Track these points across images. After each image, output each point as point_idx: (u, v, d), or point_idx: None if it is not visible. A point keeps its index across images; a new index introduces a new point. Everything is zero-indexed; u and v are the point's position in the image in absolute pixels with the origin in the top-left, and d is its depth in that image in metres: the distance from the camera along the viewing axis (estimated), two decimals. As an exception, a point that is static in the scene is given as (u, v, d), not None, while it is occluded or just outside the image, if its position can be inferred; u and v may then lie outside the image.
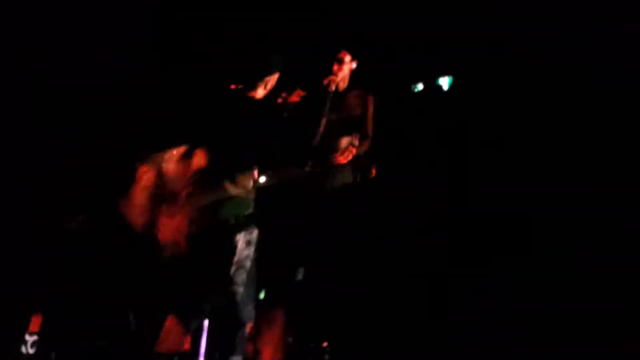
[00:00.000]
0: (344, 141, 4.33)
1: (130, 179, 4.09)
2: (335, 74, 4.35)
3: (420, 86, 6.94)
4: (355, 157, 4.35)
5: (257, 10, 5.15)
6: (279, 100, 4.01)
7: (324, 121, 4.04)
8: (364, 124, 4.45)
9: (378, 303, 5.45)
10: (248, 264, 3.60)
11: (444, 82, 6.86)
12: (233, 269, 3.56)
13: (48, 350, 4.24)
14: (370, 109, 4.50)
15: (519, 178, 6.43)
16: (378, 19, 5.86)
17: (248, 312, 3.61)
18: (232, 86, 3.75)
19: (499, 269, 5.77)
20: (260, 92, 3.77)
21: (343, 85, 4.50)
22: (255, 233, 3.65)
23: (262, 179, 4.34)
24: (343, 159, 4.21)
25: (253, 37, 4.03)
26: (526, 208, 6.32)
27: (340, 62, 4.42)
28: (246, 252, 3.59)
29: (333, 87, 4.21)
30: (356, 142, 4.29)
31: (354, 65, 4.51)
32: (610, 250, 5.36)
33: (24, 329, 4.41)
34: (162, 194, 3.72)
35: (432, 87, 6.89)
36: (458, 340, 4.78)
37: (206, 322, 4.04)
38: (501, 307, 5.13)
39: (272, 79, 3.80)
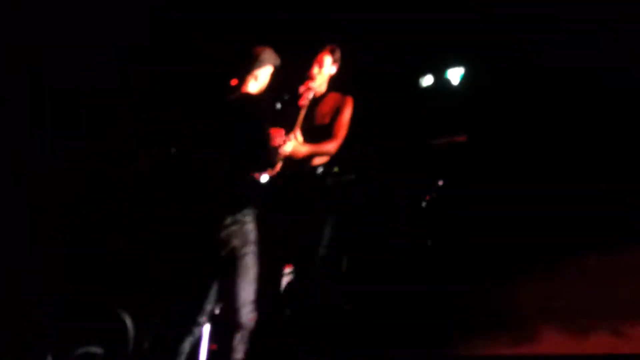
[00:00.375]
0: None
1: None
2: (314, 78, 4.24)
3: (428, 80, 6.74)
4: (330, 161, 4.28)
5: (257, 10, 5.14)
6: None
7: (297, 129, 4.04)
8: (334, 127, 4.26)
9: (376, 304, 5.44)
10: (246, 262, 3.54)
11: (454, 75, 6.79)
12: (230, 268, 3.52)
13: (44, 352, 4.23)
14: (346, 111, 4.30)
15: (520, 178, 6.43)
16: (382, 11, 5.81)
17: (247, 314, 3.52)
18: (234, 81, 3.75)
19: (500, 269, 5.77)
20: (252, 87, 3.76)
21: (321, 90, 4.35)
22: (250, 228, 3.58)
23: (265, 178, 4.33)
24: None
25: (253, 37, 3.98)
26: (527, 208, 6.32)
27: (320, 64, 4.29)
28: (243, 250, 3.54)
29: (310, 96, 4.14)
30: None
31: (333, 69, 4.37)
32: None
33: (24, 329, 4.39)
34: None
35: (441, 81, 6.66)
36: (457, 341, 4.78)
37: (207, 326, 4.00)
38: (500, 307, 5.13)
39: (263, 73, 3.78)
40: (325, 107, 4.29)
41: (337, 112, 4.27)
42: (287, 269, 5.36)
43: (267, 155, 3.63)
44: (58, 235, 4.58)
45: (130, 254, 4.63)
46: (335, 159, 5.23)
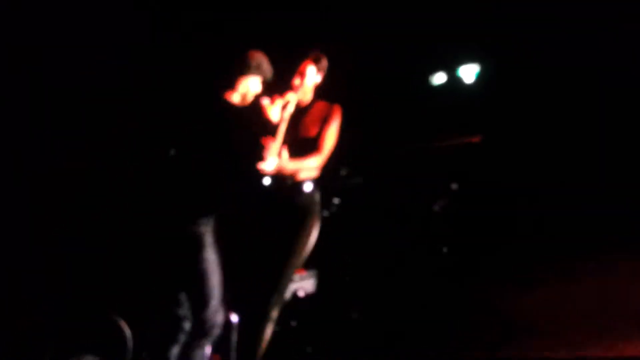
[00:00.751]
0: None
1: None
2: (295, 89, 3.98)
3: (440, 78, 6.61)
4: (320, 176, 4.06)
5: (259, 10, 5.11)
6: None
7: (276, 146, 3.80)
8: (319, 139, 3.99)
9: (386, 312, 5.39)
10: (204, 270, 3.52)
11: (467, 72, 6.51)
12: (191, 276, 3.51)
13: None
14: (333, 122, 4.02)
15: (537, 180, 6.31)
16: (389, 6, 5.69)
17: (209, 321, 3.52)
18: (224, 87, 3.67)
19: (517, 273, 5.65)
20: (236, 95, 3.68)
21: (306, 99, 4.10)
22: (208, 236, 3.54)
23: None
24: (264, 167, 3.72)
25: (255, 39, 3.91)
26: (543, 209, 6.21)
27: (302, 74, 4.02)
28: (201, 257, 3.51)
29: (290, 109, 3.89)
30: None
31: (319, 78, 4.09)
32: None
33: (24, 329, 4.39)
34: None
35: (454, 78, 6.54)
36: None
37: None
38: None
39: (251, 82, 3.68)
40: (311, 118, 4.06)
41: (323, 122, 4.03)
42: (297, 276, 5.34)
43: (234, 166, 3.58)
44: (58, 235, 4.58)
45: (125, 257, 4.60)
46: (343, 161, 5.14)
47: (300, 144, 3.95)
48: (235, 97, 3.67)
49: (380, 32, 5.98)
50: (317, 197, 4.02)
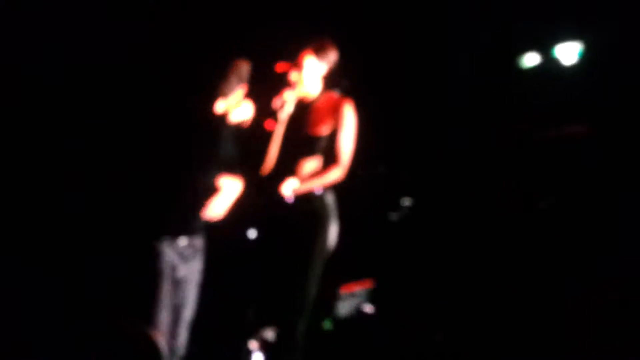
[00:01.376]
0: (307, 166, 3.61)
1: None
2: (293, 85, 3.60)
3: (532, 59, 5.93)
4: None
5: (261, 10, 4.88)
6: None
7: (274, 149, 3.56)
8: (335, 144, 3.60)
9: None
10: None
11: (567, 52, 5.74)
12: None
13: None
14: (346, 126, 3.59)
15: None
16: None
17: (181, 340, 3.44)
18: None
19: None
20: (221, 104, 3.50)
21: (312, 93, 3.69)
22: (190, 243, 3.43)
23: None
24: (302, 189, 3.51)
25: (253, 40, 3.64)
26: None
27: (300, 68, 3.61)
28: (182, 272, 3.42)
29: (288, 110, 3.57)
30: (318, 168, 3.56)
31: (323, 69, 3.64)
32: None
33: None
34: None
35: (550, 59, 5.87)
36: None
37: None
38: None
39: (235, 92, 3.50)
40: (317, 113, 3.64)
41: (334, 123, 3.60)
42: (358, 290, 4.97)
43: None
44: (62, 236, 4.59)
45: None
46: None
47: (305, 142, 3.63)
48: (221, 105, 3.52)
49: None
50: (329, 198, 3.65)
